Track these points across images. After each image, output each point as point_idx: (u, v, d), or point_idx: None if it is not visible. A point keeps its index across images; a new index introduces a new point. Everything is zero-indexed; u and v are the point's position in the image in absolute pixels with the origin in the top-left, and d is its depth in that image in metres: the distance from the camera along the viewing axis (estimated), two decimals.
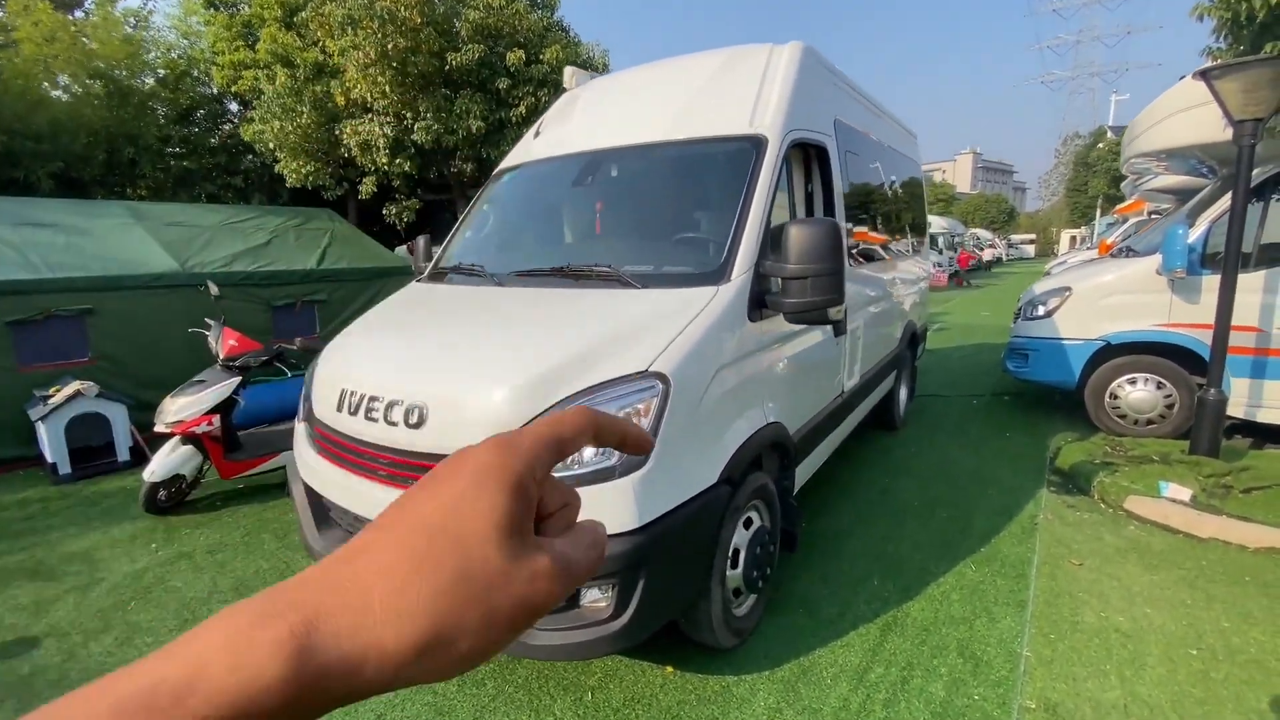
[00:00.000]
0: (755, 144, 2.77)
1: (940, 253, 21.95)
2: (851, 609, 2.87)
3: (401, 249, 8.66)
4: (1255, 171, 4.20)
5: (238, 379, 4.16)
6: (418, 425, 2.11)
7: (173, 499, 4.12)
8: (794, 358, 2.91)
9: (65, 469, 4.71)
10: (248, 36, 12.09)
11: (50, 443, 4.64)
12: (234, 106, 13.79)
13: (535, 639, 1.99)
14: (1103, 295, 5.14)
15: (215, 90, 13.16)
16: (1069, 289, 5.33)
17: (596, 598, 2.01)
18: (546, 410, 1.95)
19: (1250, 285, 4.32)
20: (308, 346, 4.15)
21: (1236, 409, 4.53)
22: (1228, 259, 3.95)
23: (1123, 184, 12.32)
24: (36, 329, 5.06)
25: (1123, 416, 5.08)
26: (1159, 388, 4.93)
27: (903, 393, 5.54)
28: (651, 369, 2.04)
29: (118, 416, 4.93)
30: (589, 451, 1.98)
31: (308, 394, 2.76)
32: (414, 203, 11.17)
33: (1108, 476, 4.09)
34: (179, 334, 5.09)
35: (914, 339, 5.71)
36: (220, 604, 3.03)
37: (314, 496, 2.59)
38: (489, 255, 3.38)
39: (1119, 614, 2.79)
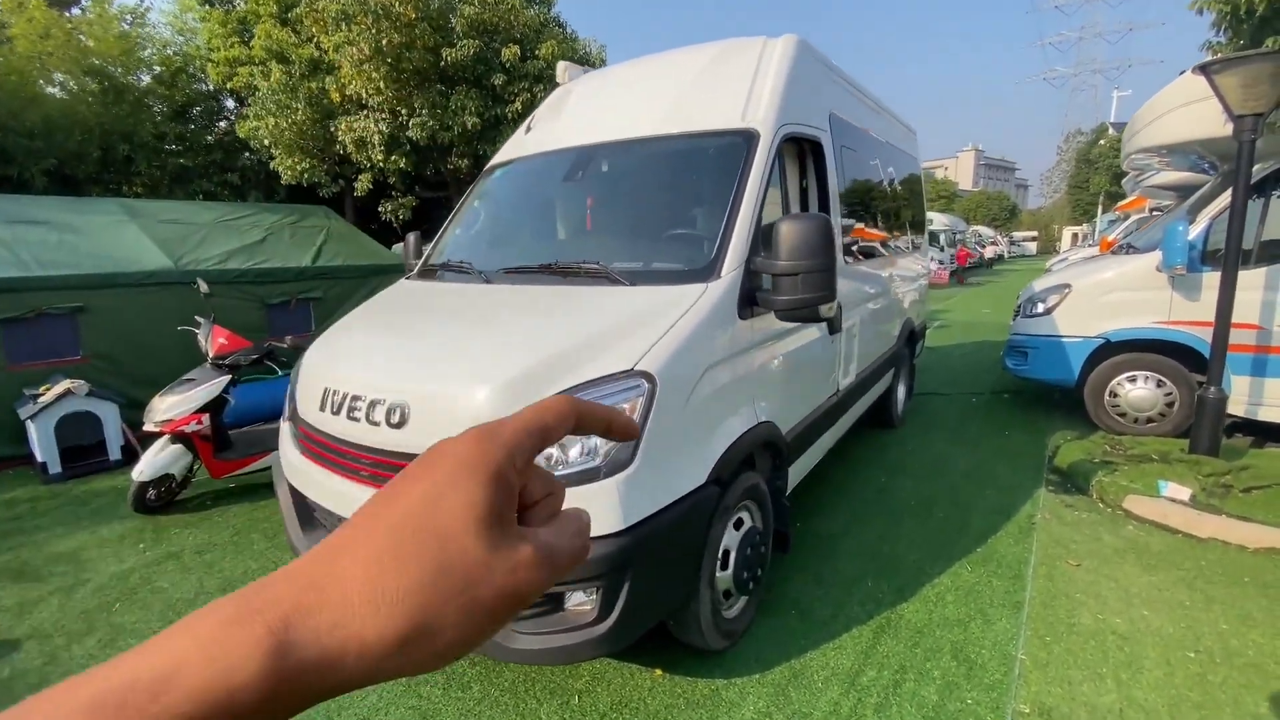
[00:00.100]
0: (747, 138, 2.72)
1: (942, 250, 21.92)
2: (845, 610, 2.83)
3: (399, 246, 8.63)
4: (1255, 167, 4.15)
5: (227, 377, 4.13)
6: (399, 425, 2.08)
7: (162, 498, 4.09)
8: (787, 356, 2.87)
9: (56, 468, 4.68)
10: (243, 33, 12.04)
11: (40, 442, 4.61)
12: (230, 103, 13.74)
13: (518, 643, 1.95)
14: (1102, 292, 5.09)
15: (211, 87, 13.11)
16: (1069, 286, 5.28)
17: (581, 601, 1.97)
18: None
19: (1251, 282, 4.27)
20: (298, 344, 4.11)
21: (1237, 407, 4.49)
22: (1228, 256, 3.90)
23: (1124, 181, 12.26)
24: (27, 327, 5.02)
25: (1122, 415, 5.04)
26: (1159, 386, 4.89)
27: (901, 391, 5.49)
28: (637, 368, 1.99)
29: (109, 415, 4.89)
30: (574, 452, 1.94)
31: (292, 393, 2.73)
32: (410, 200, 11.13)
33: (1107, 475, 4.05)
34: (172, 332, 5.05)
35: (913, 336, 5.66)
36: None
37: (299, 497, 2.56)
38: (478, 252, 3.33)
39: (1116, 616, 2.75)
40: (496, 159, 3.76)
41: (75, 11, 12.85)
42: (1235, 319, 4.01)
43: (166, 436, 3.97)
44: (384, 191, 11.01)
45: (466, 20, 9.06)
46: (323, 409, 2.34)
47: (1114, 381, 5.05)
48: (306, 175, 10.38)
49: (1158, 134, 5.24)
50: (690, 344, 2.15)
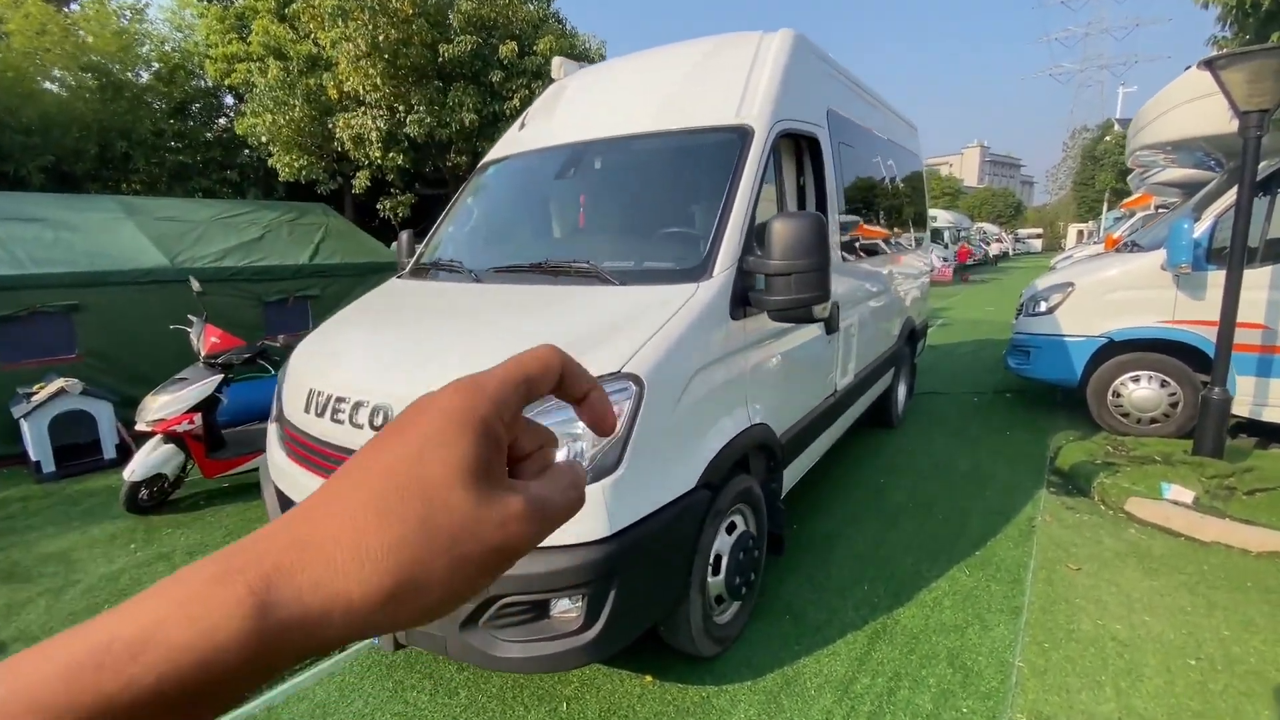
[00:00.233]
0: (741, 135, 2.67)
1: (945, 247, 21.82)
2: (839, 615, 2.79)
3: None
4: (1262, 164, 4.08)
5: (219, 377, 4.09)
6: (382, 428, 2.03)
7: (154, 498, 4.06)
8: (782, 356, 2.82)
9: (49, 467, 4.66)
10: (241, 29, 11.99)
11: (34, 440, 4.58)
12: (229, 100, 13.70)
13: (503, 651, 1.91)
14: (1106, 291, 5.02)
15: (210, 83, 13.07)
16: (1072, 284, 5.22)
17: (567, 608, 1.93)
18: None
19: (1256, 281, 4.20)
20: (291, 343, 4.07)
21: (1242, 408, 4.42)
22: (1233, 254, 3.83)
23: (1129, 177, 12.15)
24: (21, 325, 5.00)
25: (1125, 415, 4.98)
26: (1163, 386, 4.82)
27: (901, 390, 5.44)
28: (624, 370, 1.95)
29: (103, 414, 4.87)
30: (558, 456, 1.90)
31: (279, 393, 2.69)
32: (409, 197, 11.08)
33: (1108, 477, 4.00)
34: (168, 330, 5.02)
35: (913, 335, 5.60)
36: None
37: (285, 500, 2.52)
38: (469, 250, 3.29)
39: (1116, 621, 2.70)
40: (490, 155, 3.71)
41: (73, 7, 12.80)
42: (1241, 318, 3.94)
43: (158, 436, 3.94)
44: (383, 189, 10.96)
45: (464, 16, 9.00)
46: (307, 410, 2.30)
47: (1117, 381, 4.99)
48: (304, 172, 10.34)
49: (1163, 130, 5.17)
50: (680, 345, 2.10)
